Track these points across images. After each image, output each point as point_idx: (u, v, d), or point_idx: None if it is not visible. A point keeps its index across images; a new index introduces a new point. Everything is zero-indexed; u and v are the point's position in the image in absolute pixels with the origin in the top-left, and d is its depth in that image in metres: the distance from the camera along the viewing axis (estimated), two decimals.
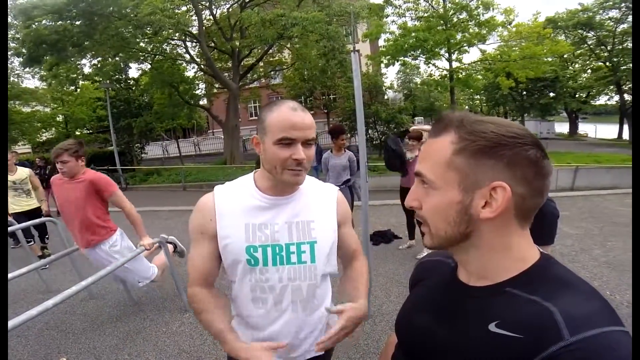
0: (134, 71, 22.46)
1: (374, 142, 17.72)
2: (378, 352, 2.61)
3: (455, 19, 18.31)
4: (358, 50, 4.79)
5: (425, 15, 18.63)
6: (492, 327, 0.57)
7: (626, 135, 27.17)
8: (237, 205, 1.08)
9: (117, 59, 15.95)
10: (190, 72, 20.20)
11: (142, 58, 17.22)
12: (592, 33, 26.17)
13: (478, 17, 17.84)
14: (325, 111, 22.84)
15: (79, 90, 22.32)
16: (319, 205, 1.13)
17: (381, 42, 19.81)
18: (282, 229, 1.07)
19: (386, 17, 19.03)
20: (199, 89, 21.46)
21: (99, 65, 16.88)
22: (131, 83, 20.78)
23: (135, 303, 3.50)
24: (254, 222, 1.06)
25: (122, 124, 18.78)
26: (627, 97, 27.33)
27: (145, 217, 3.17)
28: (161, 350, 2.74)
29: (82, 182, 2.78)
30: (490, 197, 0.57)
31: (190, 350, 2.71)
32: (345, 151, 4.53)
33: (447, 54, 19.43)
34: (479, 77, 22.61)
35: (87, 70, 18.11)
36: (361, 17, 15.08)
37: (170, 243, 3.38)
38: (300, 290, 1.10)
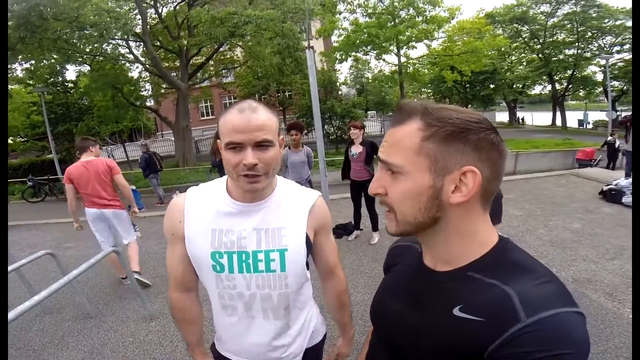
0: (71, 73, 21.00)
1: (331, 137, 17.98)
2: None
3: (403, 15, 18.88)
4: (312, 47, 4.85)
5: (375, 12, 19.07)
6: (456, 311, 0.59)
7: (559, 121, 29.63)
8: (206, 208, 1.02)
9: (53, 61, 14.74)
10: (135, 72, 19.22)
11: (80, 60, 16.04)
12: (526, 27, 28.23)
13: (425, 12, 18.51)
14: (281, 108, 22.74)
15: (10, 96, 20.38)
16: (292, 210, 1.05)
17: (334, 39, 20.03)
18: (249, 236, 1.00)
19: (339, 14, 19.27)
20: (145, 89, 20.46)
21: (32, 69, 15.57)
22: (69, 86, 19.30)
23: (95, 315, 3.33)
24: (221, 228, 1.00)
25: (60, 129, 17.48)
26: (558, 86, 29.84)
27: None
28: None
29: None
30: (460, 182, 0.59)
31: (163, 359, 2.64)
32: (303, 147, 4.61)
33: (396, 49, 20.02)
34: (425, 71, 23.58)
35: (18, 74, 16.64)
36: (315, 13, 15.09)
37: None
38: (271, 298, 1.04)
